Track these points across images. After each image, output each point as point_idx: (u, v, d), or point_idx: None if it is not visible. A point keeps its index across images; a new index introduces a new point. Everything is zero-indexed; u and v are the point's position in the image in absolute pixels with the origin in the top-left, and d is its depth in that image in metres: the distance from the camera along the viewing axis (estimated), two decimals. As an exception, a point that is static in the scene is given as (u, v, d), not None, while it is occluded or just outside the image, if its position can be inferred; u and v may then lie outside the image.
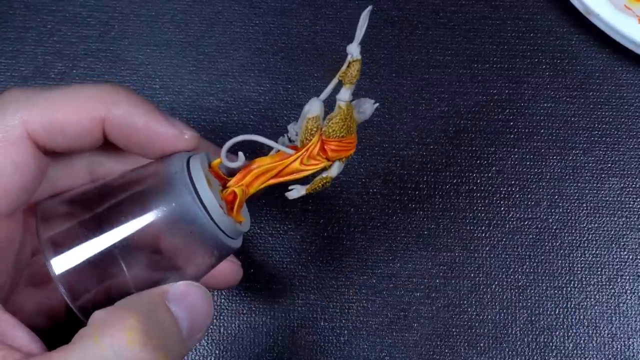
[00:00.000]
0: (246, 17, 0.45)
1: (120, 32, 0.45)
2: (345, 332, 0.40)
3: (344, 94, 0.30)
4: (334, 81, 0.30)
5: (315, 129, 0.30)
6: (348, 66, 0.30)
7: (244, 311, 0.41)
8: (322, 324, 0.41)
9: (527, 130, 0.43)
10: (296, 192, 0.32)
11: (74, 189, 0.31)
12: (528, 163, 0.43)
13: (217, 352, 0.40)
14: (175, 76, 0.44)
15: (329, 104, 0.31)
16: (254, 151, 0.32)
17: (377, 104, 0.32)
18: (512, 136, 0.43)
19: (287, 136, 0.32)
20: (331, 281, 0.41)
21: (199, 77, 0.44)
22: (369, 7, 0.29)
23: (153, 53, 0.44)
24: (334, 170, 0.32)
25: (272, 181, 0.31)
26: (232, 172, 0.30)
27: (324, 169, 0.31)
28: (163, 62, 0.44)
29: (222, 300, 0.41)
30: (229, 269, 0.35)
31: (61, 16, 0.45)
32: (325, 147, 0.31)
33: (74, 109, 0.28)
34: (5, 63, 0.44)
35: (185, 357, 0.40)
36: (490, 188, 0.42)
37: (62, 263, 0.27)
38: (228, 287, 0.39)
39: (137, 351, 0.25)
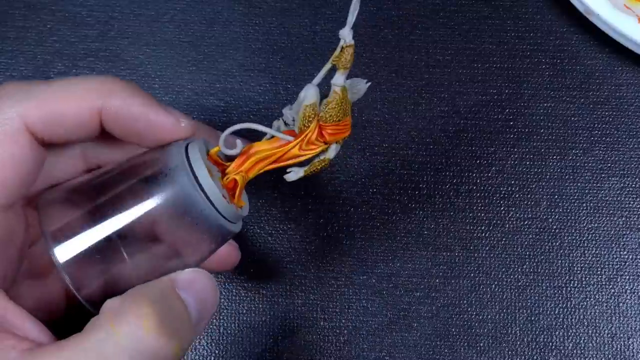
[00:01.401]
0: (246, 17, 0.45)
1: (119, 31, 0.45)
2: (345, 332, 0.40)
3: (339, 79, 0.30)
4: (327, 66, 0.31)
5: (312, 116, 0.31)
6: (341, 51, 0.30)
7: (244, 311, 0.41)
8: (322, 323, 0.41)
9: (527, 130, 0.43)
10: (294, 175, 0.32)
11: (72, 178, 0.31)
12: (528, 163, 0.43)
13: (217, 352, 0.40)
14: (175, 76, 0.44)
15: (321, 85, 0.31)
16: (251, 139, 0.32)
17: (370, 83, 0.33)
18: (511, 136, 0.43)
19: (283, 120, 0.32)
20: (331, 281, 0.41)
21: (198, 77, 0.44)
22: None
23: (153, 53, 0.44)
24: (332, 152, 0.32)
25: (271, 166, 0.31)
26: (230, 158, 0.31)
27: (322, 152, 0.32)
28: (163, 62, 0.44)
29: (222, 300, 0.41)
30: (225, 251, 0.36)
31: (61, 16, 0.45)
32: (322, 131, 0.31)
33: (71, 101, 0.28)
34: (5, 63, 0.44)
35: (185, 357, 0.40)
36: (490, 188, 0.42)
37: (65, 252, 0.27)
38: (227, 270, 0.39)
39: (153, 338, 0.25)
